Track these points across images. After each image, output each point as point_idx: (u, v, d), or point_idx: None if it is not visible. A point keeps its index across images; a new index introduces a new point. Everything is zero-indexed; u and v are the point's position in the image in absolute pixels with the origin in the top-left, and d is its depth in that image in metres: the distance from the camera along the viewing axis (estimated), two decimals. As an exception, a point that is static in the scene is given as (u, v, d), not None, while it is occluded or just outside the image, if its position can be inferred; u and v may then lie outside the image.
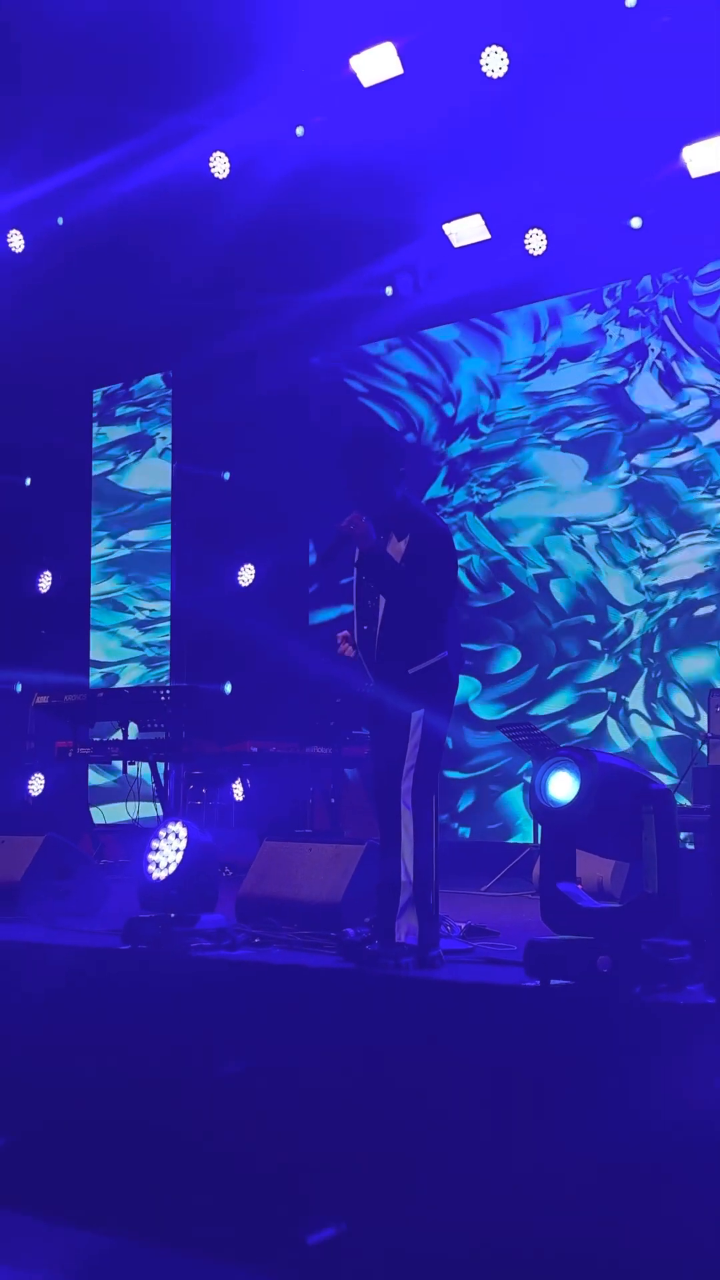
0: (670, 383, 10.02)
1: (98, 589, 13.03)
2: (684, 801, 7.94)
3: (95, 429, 13.19)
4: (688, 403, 9.90)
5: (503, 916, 6.23)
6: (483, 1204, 3.83)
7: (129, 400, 13.01)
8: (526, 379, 10.82)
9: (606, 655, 10.14)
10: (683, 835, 5.73)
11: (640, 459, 10.13)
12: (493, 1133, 3.88)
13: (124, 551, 12.92)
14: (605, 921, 4.07)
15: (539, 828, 4.38)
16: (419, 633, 4.79)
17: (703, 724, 8.76)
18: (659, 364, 10.08)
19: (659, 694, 9.91)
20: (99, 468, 13.12)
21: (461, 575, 10.80)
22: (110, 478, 13.05)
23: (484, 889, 8.26)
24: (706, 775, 7.32)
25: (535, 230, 9.87)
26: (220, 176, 9.54)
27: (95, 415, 13.20)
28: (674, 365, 10.01)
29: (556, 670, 10.39)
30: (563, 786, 4.07)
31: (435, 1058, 4.06)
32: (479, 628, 10.69)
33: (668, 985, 3.90)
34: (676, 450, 9.99)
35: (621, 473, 10.22)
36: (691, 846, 6.47)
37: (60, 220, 10.29)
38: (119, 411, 13.07)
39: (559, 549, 10.53)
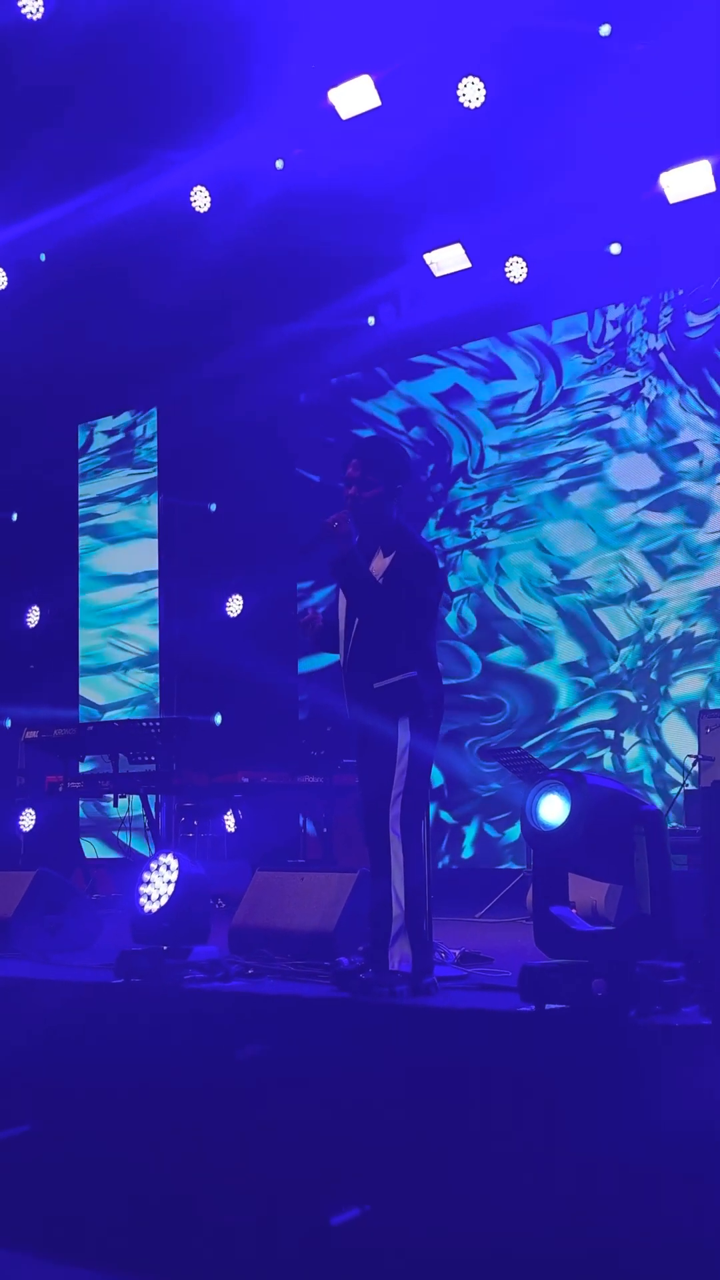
0: (663, 416, 10.06)
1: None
2: (675, 824, 7.96)
3: (81, 462, 13.20)
4: (679, 437, 9.93)
5: (497, 942, 6.21)
6: (483, 1231, 3.80)
7: (114, 433, 13.03)
8: (525, 418, 10.84)
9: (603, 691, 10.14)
10: (676, 857, 5.72)
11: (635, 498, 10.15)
12: (490, 1159, 3.86)
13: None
14: (599, 945, 4.06)
15: (531, 852, 4.37)
16: (386, 648, 4.77)
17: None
18: (650, 399, 10.11)
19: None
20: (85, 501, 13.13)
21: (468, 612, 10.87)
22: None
23: (478, 915, 8.24)
24: (698, 797, 7.32)
25: (515, 258, 9.94)
26: (201, 210, 9.60)
27: (81, 448, 13.21)
28: (667, 401, 10.04)
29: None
30: (553, 810, 4.07)
31: (432, 1085, 4.04)
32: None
33: (663, 1007, 3.89)
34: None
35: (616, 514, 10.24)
36: (684, 868, 6.46)
37: (43, 256, 10.34)
38: (104, 444, 13.08)
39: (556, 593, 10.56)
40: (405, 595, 4.75)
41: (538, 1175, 3.76)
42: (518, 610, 10.74)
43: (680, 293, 9.97)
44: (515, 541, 10.80)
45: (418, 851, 4.73)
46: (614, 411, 10.28)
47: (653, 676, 9.91)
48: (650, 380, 10.10)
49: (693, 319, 9.95)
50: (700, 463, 9.82)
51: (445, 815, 10.82)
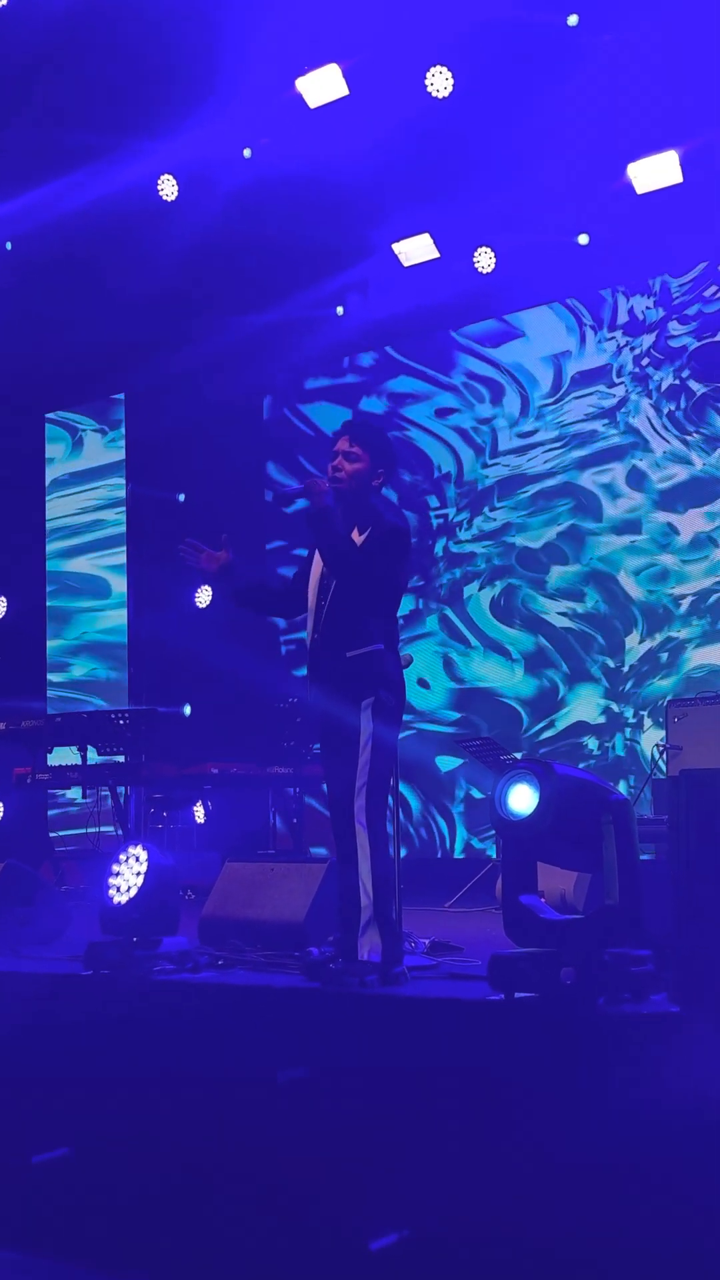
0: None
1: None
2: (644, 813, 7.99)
3: (48, 451, 13.13)
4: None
5: (467, 932, 6.23)
6: (452, 1217, 3.82)
7: (81, 424, 12.96)
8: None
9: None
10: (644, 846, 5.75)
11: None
12: (461, 1146, 3.87)
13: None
14: (567, 933, 4.07)
15: (500, 841, 4.38)
16: (358, 618, 4.78)
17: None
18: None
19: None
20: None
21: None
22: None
23: (448, 905, 8.26)
24: (666, 786, 7.35)
25: (484, 248, 9.94)
26: (169, 199, 9.55)
27: (48, 438, 13.14)
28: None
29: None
30: (522, 799, 4.07)
31: (402, 1074, 4.04)
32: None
33: (631, 995, 3.91)
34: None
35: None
36: (651, 857, 6.50)
37: (9, 245, 10.27)
38: (71, 433, 13.01)
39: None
40: (379, 570, 4.76)
41: (507, 1163, 3.77)
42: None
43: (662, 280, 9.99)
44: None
45: (383, 841, 4.73)
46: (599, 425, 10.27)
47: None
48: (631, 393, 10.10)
49: (675, 327, 9.95)
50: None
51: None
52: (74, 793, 9.99)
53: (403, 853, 5.63)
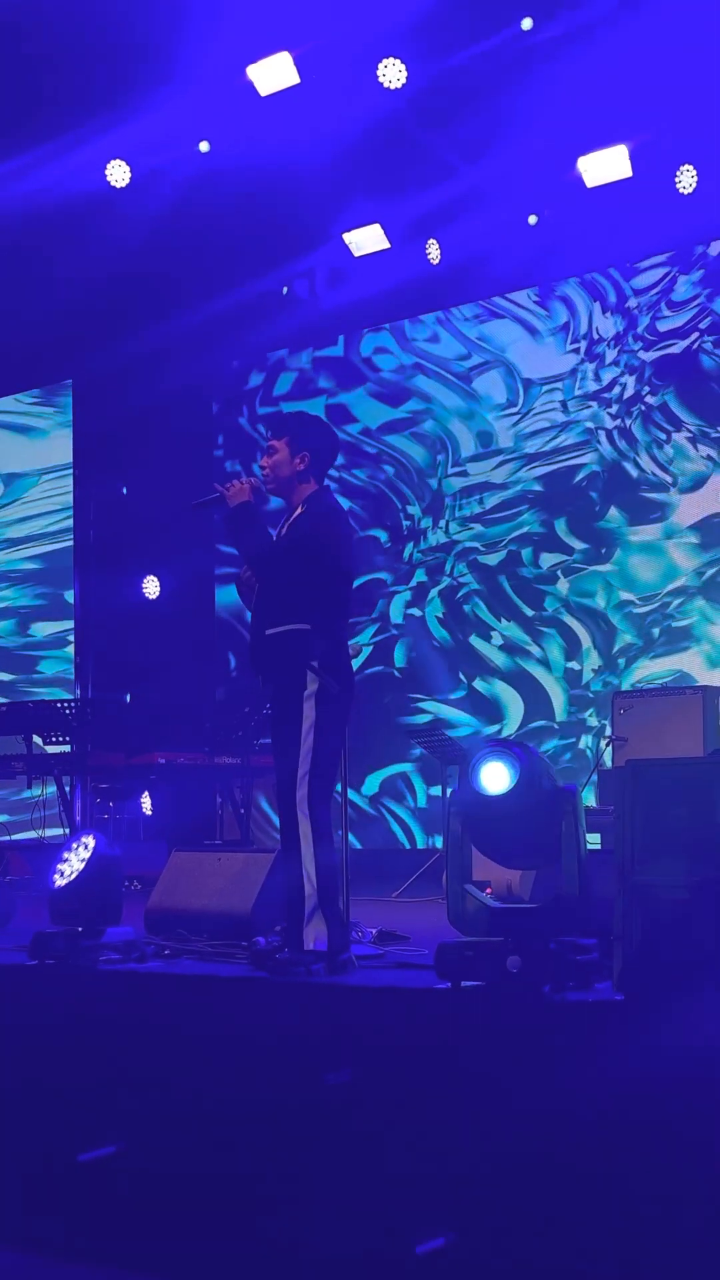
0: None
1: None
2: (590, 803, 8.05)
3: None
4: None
5: (414, 921, 6.24)
6: (397, 1206, 3.83)
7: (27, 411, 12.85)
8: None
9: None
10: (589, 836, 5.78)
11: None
12: (406, 1134, 3.88)
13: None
14: (514, 921, 4.09)
15: (448, 828, 4.37)
16: (279, 598, 4.77)
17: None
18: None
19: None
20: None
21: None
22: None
23: (395, 895, 8.28)
24: (612, 776, 7.41)
25: (432, 240, 9.95)
26: (119, 185, 9.48)
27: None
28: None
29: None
30: (497, 776, 4.06)
31: (348, 1063, 4.05)
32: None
33: (576, 984, 3.93)
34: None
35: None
36: (596, 847, 6.53)
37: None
38: (17, 420, 12.90)
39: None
40: (305, 551, 4.73)
41: (451, 1151, 3.79)
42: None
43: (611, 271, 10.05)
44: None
45: (326, 830, 4.70)
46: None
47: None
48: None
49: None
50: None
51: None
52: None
53: (357, 844, 5.62)
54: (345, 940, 4.73)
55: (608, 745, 8.04)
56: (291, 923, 4.67)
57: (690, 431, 9.74)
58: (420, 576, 10.97)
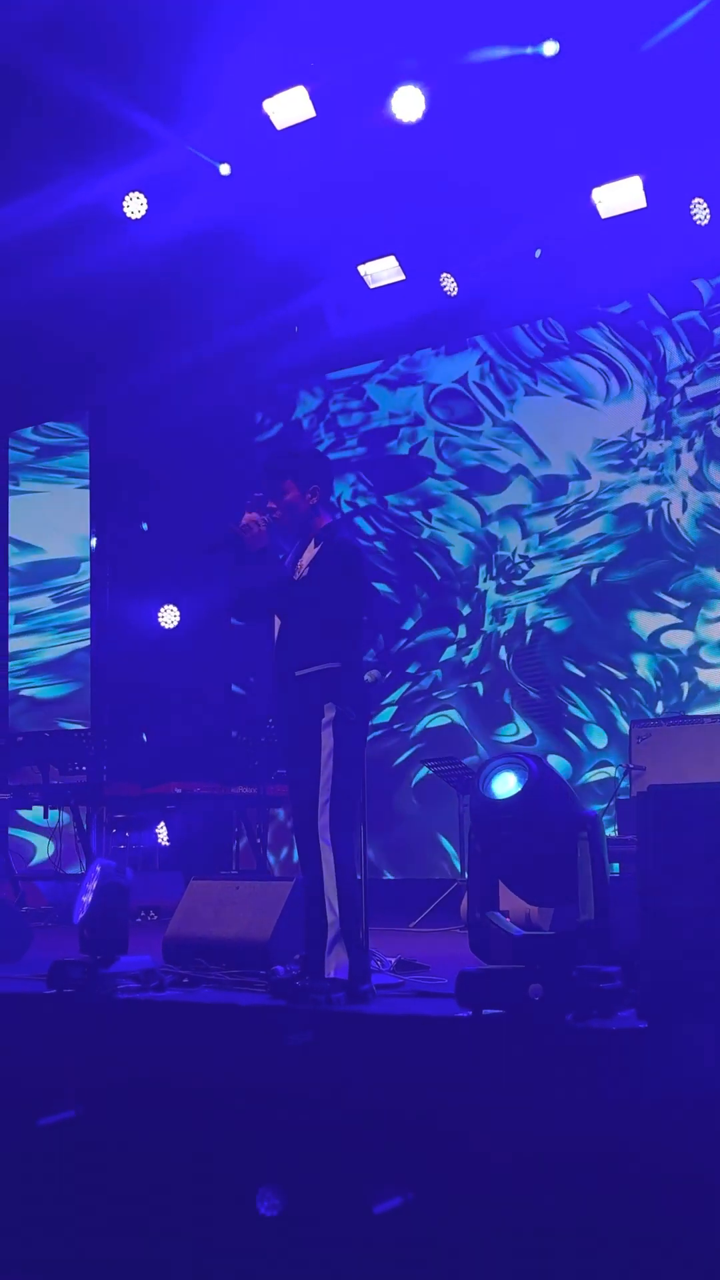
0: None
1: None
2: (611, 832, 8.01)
3: (11, 470, 13.05)
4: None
5: (432, 951, 6.21)
6: (419, 1239, 3.79)
7: (45, 446, 12.89)
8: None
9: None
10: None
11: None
12: (428, 1164, 3.85)
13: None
14: (535, 949, 4.06)
15: (465, 858, 4.37)
16: (308, 638, 4.78)
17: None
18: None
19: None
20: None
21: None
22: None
23: (412, 925, 8.24)
24: (632, 805, 7.38)
25: (447, 275, 9.99)
26: (135, 217, 9.55)
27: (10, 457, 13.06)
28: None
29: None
30: (506, 785, 4.06)
31: (370, 1092, 4.02)
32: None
33: (599, 1011, 3.90)
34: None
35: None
36: (616, 875, 6.49)
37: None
38: (34, 452, 12.95)
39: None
40: (327, 586, 4.77)
41: (473, 1181, 3.75)
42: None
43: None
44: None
45: (349, 858, 4.70)
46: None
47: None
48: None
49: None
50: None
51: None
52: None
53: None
54: (366, 969, 4.70)
55: (627, 774, 8.01)
56: (312, 950, 4.65)
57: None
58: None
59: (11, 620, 12.69)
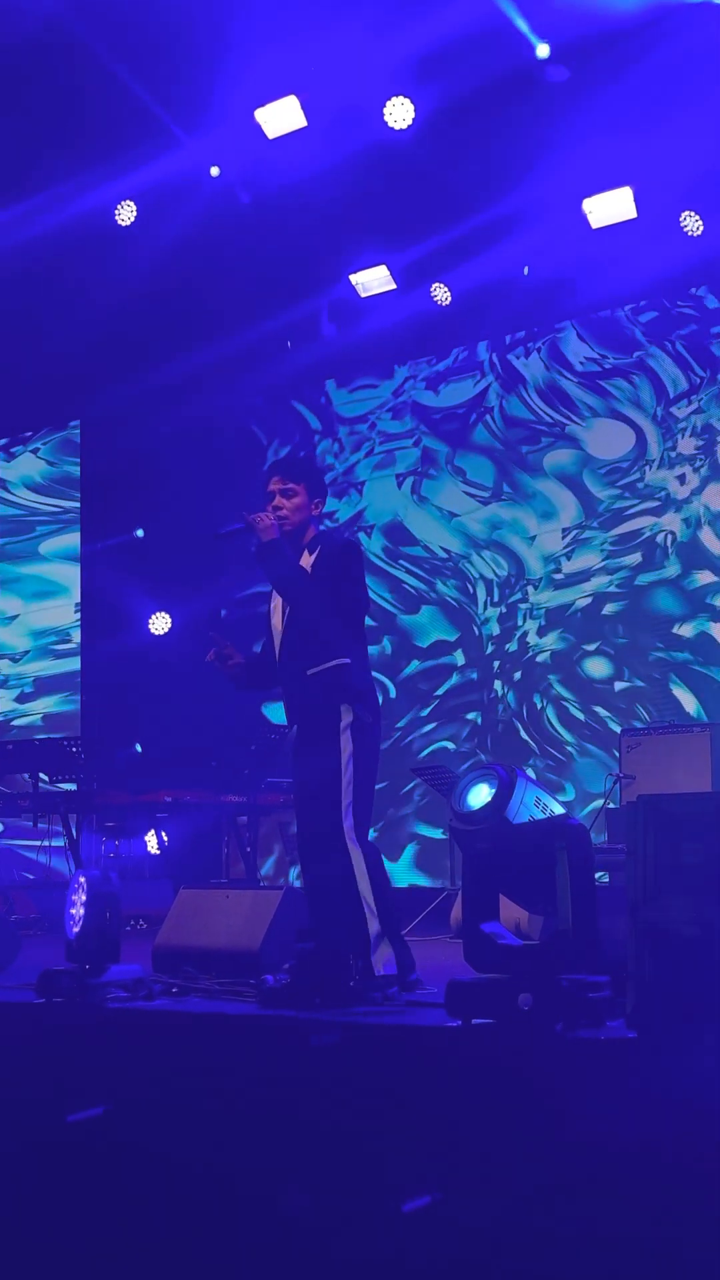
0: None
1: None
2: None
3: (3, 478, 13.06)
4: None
5: (422, 960, 6.18)
6: (410, 1248, 3.79)
7: (35, 452, 12.90)
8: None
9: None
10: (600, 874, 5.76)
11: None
12: (417, 1174, 3.84)
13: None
14: (525, 959, 4.06)
15: (463, 867, 4.37)
16: (316, 636, 4.89)
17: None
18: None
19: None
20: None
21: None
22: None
23: (402, 934, 8.20)
24: (621, 814, 7.39)
25: (439, 284, 10.01)
26: (125, 224, 9.56)
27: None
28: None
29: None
30: (480, 796, 4.08)
31: (357, 1101, 4.01)
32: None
33: (588, 1021, 3.90)
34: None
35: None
36: (606, 884, 6.51)
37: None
38: (24, 464, 12.95)
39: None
40: (332, 585, 4.87)
41: (463, 1191, 3.75)
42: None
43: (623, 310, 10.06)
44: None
45: (375, 856, 4.84)
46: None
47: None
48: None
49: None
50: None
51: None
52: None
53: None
54: (410, 959, 4.85)
55: (616, 783, 8.02)
56: (358, 953, 4.74)
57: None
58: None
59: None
